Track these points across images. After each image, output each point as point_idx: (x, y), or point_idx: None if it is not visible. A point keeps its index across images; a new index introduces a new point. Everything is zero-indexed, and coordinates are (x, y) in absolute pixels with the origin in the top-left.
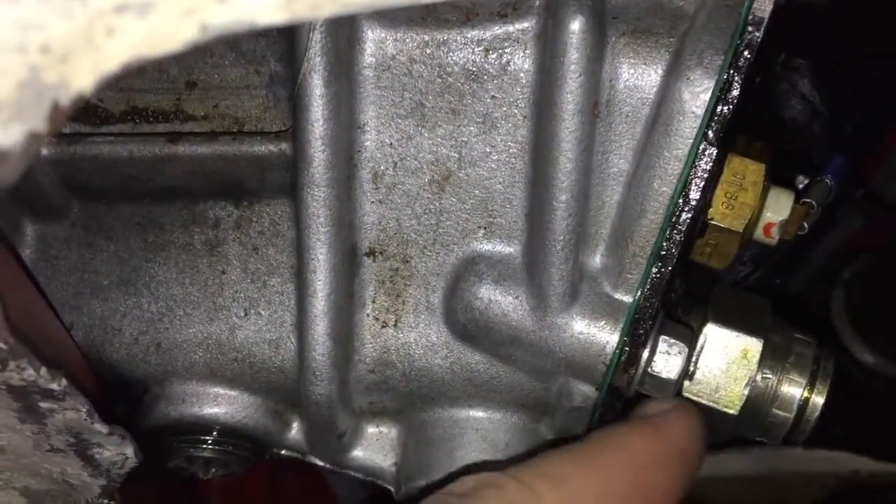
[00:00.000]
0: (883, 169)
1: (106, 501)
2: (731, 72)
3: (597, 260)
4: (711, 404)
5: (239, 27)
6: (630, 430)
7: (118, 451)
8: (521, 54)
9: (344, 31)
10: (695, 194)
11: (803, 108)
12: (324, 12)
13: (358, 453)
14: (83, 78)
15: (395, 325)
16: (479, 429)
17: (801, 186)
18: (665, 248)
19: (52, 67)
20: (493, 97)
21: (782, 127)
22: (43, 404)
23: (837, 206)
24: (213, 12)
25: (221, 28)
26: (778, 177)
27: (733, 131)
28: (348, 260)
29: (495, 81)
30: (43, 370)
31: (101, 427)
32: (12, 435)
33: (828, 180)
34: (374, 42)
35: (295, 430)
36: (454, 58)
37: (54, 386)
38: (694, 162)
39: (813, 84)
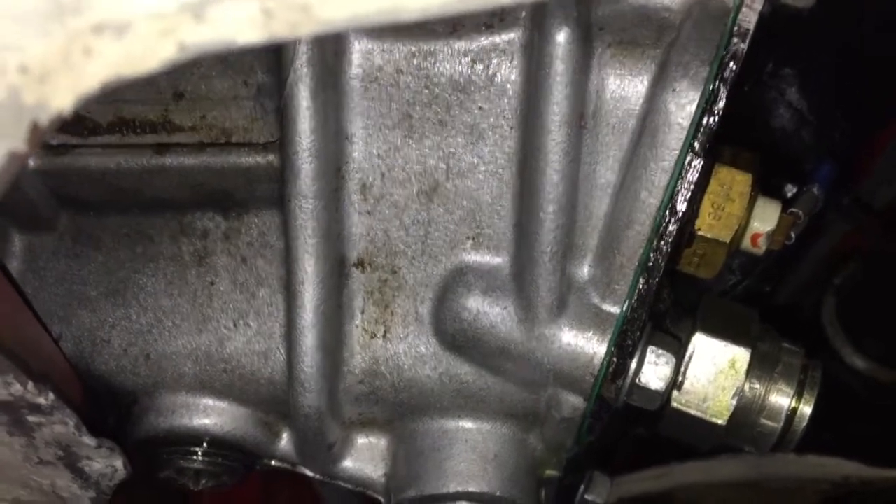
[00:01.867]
0: (871, 176)
1: None
2: (717, 83)
3: (584, 271)
4: (700, 414)
5: (217, 46)
6: None
7: (107, 464)
8: (508, 65)
9: (331, 42)
10: (681, 205)
11: (791, 116)
12: (302, 32)
13: (348, 464)
14: (62, 98)
15: (383, 336)
16: (469, 439)
17: (790, 195)
18: (652, 259)
19: (30, 88)
20: (480, 108)
21: (771, 135)
22: (31, 418)
23: (824, 213)
24: (190, 32)
25: (200, 47)
26: (766, 185)
27: (720, 142)
28: (337, 271)
29: (482, 92)
30: (30, 385)
31: (89, 440)
32: (1, 448)
33: (815, 190)
34: (361, 53)
35: (285, 441)
36: (441, 69)
37: (41, 400)
38: (680, 173)
39: (801, 93)
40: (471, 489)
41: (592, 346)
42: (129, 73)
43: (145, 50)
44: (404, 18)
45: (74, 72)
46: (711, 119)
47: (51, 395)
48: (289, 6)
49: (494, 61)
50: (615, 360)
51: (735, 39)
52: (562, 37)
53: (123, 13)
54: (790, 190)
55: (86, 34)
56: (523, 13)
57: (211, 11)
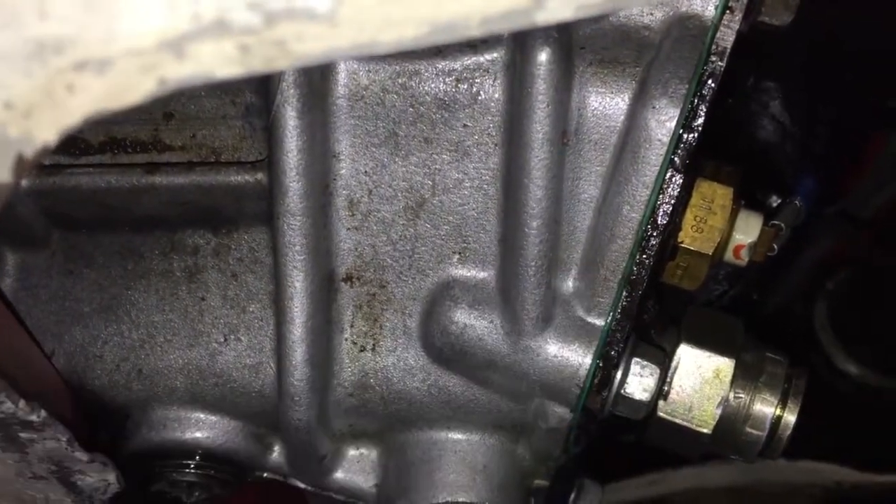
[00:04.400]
0: (857, 188)
1: None
2: (696, 100)
3: (569, 284)
4: (685, 423)
5: (197, 81)
6: None
7: (100, 478)
8: (491, 84)
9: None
10: (662, 219)
11: (774, 128)
12: (279, 66)
13: (339, 475)
14: (46, 131)
15: (372, 350)
16: (458, 450)
17: (774, 206)
18: (635, 272)
19: (15, 123)
20: (464, 126)
21: (754, 148)
22: (23, 434)
23: (809, 224)
24: (170, 68)
25: (180, 81)
26: (749, 198)
27: (701, 156)
28: (325, 286)
29: (466, 111)
30: (21, 403)
31: (81, 455)
32: None
33: (797, 202)
34: (347, 73)
35: (276, 454)
36: (426, 88)
37: (33, 417)
38: (661, 188)
39: (783, 105)
40: (460, 499)
41: (577, 357)
42: (111, 107)
43: (126, 85)
44: (379, 52)
45: (58, 107)
46: (691, 135)
47: (42, 413)
48: (265, 42)
49: (478, 80)
50: (600, 371)
51: (713, 58)
52: (543, 56)
53: (104, 51)
54: (775, 202)
55: (68, 71)
56: (506, 33)
57: (189, 48)
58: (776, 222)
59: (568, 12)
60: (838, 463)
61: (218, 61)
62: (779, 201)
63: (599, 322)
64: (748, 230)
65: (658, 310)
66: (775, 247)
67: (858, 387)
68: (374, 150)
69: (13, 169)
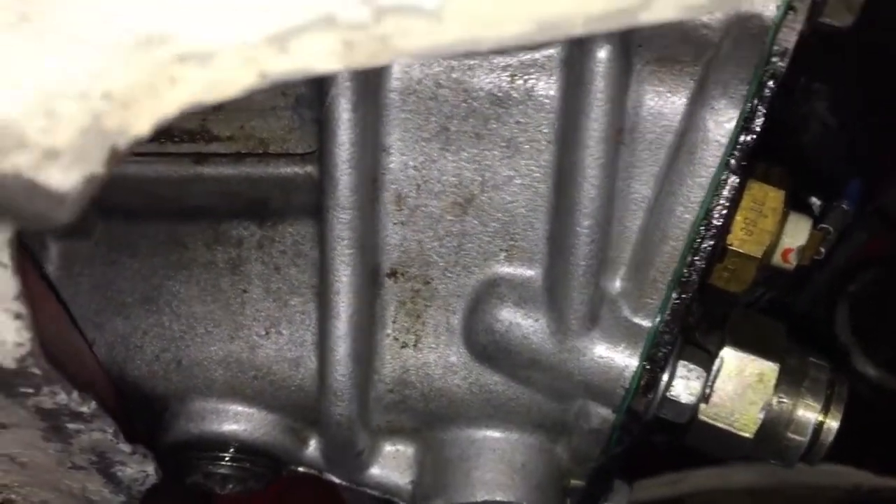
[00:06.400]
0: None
1: None
2: (756, 102)
3: (617, 284)
4: (727, 427)
5: (296, 75)
6: None
7: (140, 469)
8: (547, 80)
9: None
10: (717, 222)
11: (822, 131)
12: (379, 61)
13: (375, 471)
14: (142, 123)
15: (414, 346)
16: (496, 449)
17: (815, 207)
18: (686, 274)
19: (113, 114)
20: (517, 122)
21: (800, 149)
22: (71, 425)
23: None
24: (272, 62)
25: (279, 75)
26: (795, 201)
27: (753, 157)
28: (370, 281)
29: (520, 107)
30: (74, 394)
31: (125, 447)
32: (35, 452)
33: (845, 206)
34: (401, 66)
35: (312, 448)
36: (480, 83)
37: (84, 409)
38: (717, 190)
39: (831, 108)
40: (497, 498)
41: (623, 358)
42: (209, 100)
43: (227, 78)
44: (480, 49)
45: (157, 98)
46: (749, 137)
47: (93, 404)
48: (370, 38)
49: (533, 76)
50: (646, 373)
51: (775, 58)
52: (603, 53)
53: (209, 43)
54: (815, 204)
55: (171, 63)
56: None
57: (294, 43)
58: (825, 226)
59: (672, 13)
60: (857, 466)
61: (320, 56)
62: (819, 203)
63: (646, 323)
64: (797, 234)
65: (701, 312)
66: (822, 250)
67: (877, 390)
68: (423, 144)
69: (106, 161)
